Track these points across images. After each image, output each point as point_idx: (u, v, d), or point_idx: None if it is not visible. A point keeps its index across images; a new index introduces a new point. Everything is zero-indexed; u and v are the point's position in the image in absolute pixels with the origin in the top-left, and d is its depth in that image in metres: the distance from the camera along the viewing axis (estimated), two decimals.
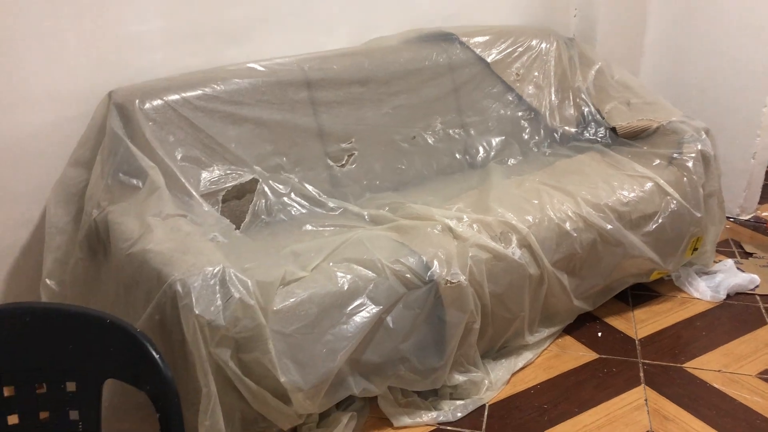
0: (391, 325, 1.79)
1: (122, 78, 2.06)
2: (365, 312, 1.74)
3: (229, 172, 2.08)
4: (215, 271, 1.56)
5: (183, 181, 1.94)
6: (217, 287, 1.55)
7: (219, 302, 1.54)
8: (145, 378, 1.04)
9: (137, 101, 1.98)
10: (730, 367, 2.12)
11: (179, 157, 2.00)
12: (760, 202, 3.11)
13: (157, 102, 2.01)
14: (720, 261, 2.66)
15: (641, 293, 2.50)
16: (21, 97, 1.94)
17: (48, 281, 1.91)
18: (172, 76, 2.12)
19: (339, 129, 2.31)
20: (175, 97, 2.03)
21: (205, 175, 2.04)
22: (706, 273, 2.58)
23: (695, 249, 2.47)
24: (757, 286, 2.52)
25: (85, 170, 1.97)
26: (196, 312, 1.50)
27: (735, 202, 3.04)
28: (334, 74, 2.30)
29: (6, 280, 2.06)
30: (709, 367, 2.12)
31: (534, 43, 2.73)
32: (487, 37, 2.66)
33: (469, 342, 1.95)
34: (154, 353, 1.02)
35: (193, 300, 1.51)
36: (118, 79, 2.05)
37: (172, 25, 2.14)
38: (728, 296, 2.47)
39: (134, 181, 1.88)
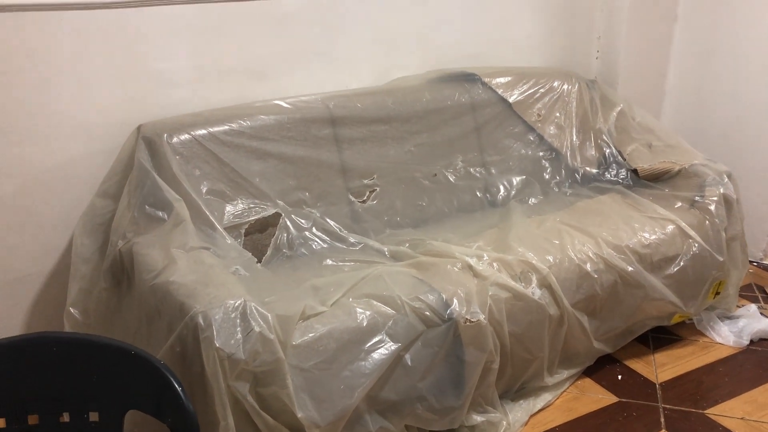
0: (409, 362, 1.79)
1: (151, 113, 2.11)
2: (384, 349, 1.74)
3: (252, 205, 2.11)
4: (236, 304, 1.58)
5: (207, 214, 1.97)
6: (238, 320, 1.56)
7: (239, 335, 1.55)
8: (167, 410, 1.05)
9: (165, 135, 2.02)
10: (754, 415, 2.07)
11: (204, 191, 2.04)
12: None
13: (185, 136, 2.05)
14: (743, 306, 2.62)
15: (662, 336, 2.47)
16: (54, 130, 2.00)
17: (72, 310, 1.94)
18: (199, 111, 2.17)
19: (361, 165, 2.34)
20: (202, 131, 2.08)
21: (229, 208, 2.07)
22: (729, 318, 2.54)
23: (717, 293, 2.44)
24: None
25: (113, 201, 2.01)
26: (217, 345, 1.51)
27: (758, 246, 3.00)
28: (357, 112, 2.34)
29: (31, 308, 2.10)
30: (731, 414, 2.08)
31: (556, 84, 2.76)
32: (509, 78, 2.69)
33: (488, 382, 1.94)
34: (176, 385, 1.04)
35: (214, 333, 1.52)
36: (147, 114, 2.10)
37: (200, 63, 2.20)
38: (751, 342, 2.43)
39: (160, 213, 1.91)
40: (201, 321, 1.53)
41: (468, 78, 2.63)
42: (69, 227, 2.06)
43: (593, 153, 2.77)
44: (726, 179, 2.43)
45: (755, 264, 3.00)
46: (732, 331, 2.46)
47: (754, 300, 2.72)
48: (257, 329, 1.56)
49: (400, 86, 2.53)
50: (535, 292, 1.99)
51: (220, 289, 1.62)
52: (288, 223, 2.16)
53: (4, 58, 1.88)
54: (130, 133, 2.06)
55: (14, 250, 2.03)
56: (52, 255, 2.10)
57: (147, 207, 1.92)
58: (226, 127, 2.12)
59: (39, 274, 2.09)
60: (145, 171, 1.96)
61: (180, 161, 2.02)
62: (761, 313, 2.57)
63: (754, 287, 2.84)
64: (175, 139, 2.03)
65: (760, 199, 2.94)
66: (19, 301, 2.08)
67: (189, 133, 2.06)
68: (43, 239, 2.06)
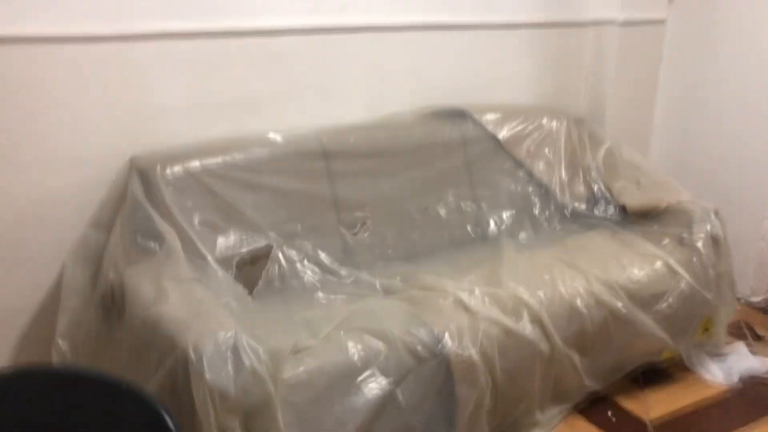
0: (400, 398, 1.77)
1: (144, 144, 2.11)
2: (375, 384, 1.73)
3: (244, 237, 2.11)
4: (227, 337, 1.56)
5: (199, 245, 1.97)
6: (229, 354, 1.55)
7: (230, 369, 1.53)
8: None
9: (158, 167, 2.03)
10: None
11: (196, 222, 2.03)
12: None
13: (178, 168, 2.06)
14: (731, 343, 2.63)
15: (652, 373, 2.46)
16: (46, 160, 1.99)
17: (60, 341, 1.91)
18: (192, 143, 2.17)
19: (353, 199, 2.35)
20: (195, 164, 2.09)
21: (220, 240, 2.06)
22: (718, 355, 2.55)
23: (706, 330, 2.45)
24: None
25: (105, 233, 2.00)
26: (207, 378, 1.49)
27: (746, 284, 3.02)
28: (350, 146, 2.36)
29: (18, 342, 2.06)
30: None
31: (544, 121, 2.80)
32: (499, 115, 2.73)
33: (479, 419, 1.92)
34: (168, 420, 1.02)
35: (205, 366, 1.50)
36: (140, 146, 2.10)
37: (195, 96, 2.20)
38: (740, 379, 2.43)
39: (152, 245, 1.90)
40: (191, 354, 1.51)
41: (459, 114, 2.66)
42: (58, 260, 2.04)
43: (582, 189, 2.80)
44: (713, 216, 2.45)
45: (743, 301, 3.02)
46: (721, 369, 2.46)
47: (742, 337, 2.73)
48: (248, 363, 1.55)
49: (393, 121, 2.55)
50: (526, 327, 1.99)
51: (211, 322, 1.61)
52: (280, 255, 2.15)
53: None
54: (123, 165, 2.06)
55: (2, 283, 2.01)
56: (42, 288, 2.07)
57: (139, 238, 1.92)
58: (219, 160, 2.13)
59: (26, 309, 2.05)
60: (138, 202, 1.96)
61: (172, 193, 2.02)
62: (749, 351, 2.58)
63: (743, 325, 2.85)
64: (168, 171, 2.04)
65: (747, 238, 2.97)
66: (7, 335, 2.05)
67: (182, 165, 2.07)
68: (33, 271, 2.04)
